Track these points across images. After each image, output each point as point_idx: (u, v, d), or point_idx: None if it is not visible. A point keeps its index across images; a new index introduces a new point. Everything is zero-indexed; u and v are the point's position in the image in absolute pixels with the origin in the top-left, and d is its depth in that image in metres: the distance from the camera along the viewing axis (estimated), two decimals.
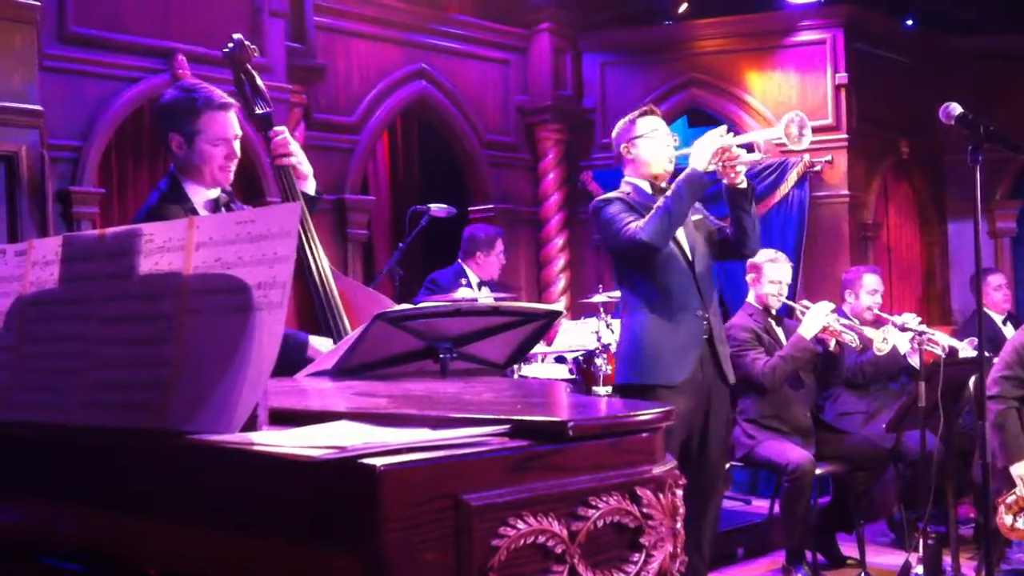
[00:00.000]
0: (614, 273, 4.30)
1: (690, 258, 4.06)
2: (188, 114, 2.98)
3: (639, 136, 4.15)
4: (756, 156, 4.02)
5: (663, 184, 4.15)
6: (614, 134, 4.27)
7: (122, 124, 5.74)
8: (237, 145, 3.05)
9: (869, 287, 5.74)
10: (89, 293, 1.69)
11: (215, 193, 3.04)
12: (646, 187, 4.15)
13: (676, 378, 3.95)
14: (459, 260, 6.46)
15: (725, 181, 3.98)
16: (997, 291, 6.75)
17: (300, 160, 3.25)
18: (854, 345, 5.13)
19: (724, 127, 4.14)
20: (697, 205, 4.13)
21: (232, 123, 3.03)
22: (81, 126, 5.57)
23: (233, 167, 3.06)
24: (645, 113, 4.21)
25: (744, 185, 3.99)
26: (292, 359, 2.51)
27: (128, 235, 1.68)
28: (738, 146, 3.95)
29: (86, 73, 5.59)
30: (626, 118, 4.24)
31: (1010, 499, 4.33)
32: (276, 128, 3.25)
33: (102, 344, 1.64)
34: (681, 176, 3.96)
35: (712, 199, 4.39)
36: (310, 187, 3.30)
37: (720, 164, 3.93)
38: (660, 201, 3.96)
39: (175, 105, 3.02)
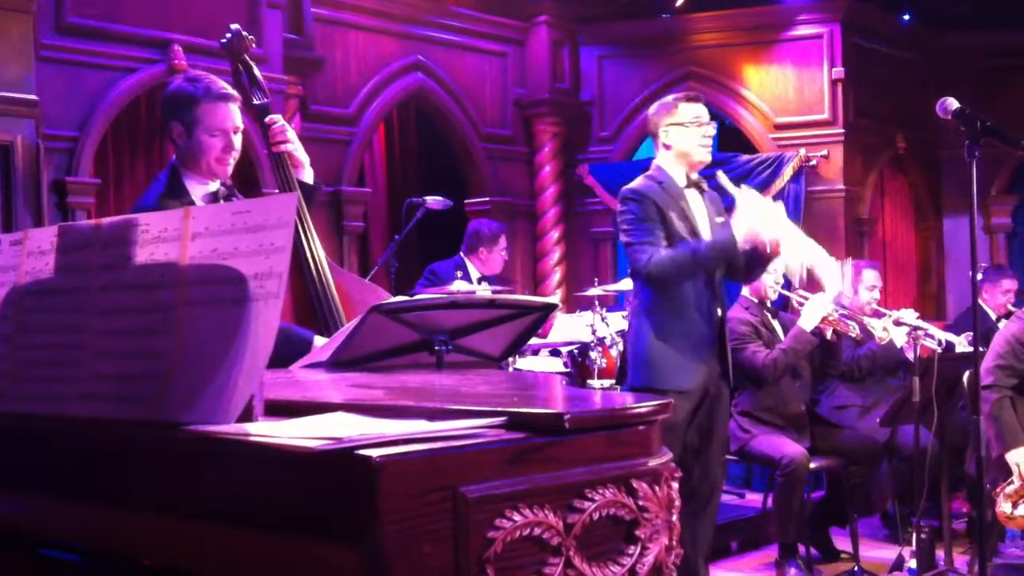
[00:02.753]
0: (630, 264, 4.08)
1: None
2: (189, 103, 2.98)
3: (679, 123, 3.97)
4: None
5: (695, 175, 4.03)
6: (652, 110, 4.08)
7: (118, 115, 5.72)
8: (237, 139, 3.03)
9: (868, 283, 5.73)
10: (85, 283, 1.69)
11: (214, 186, 3.03)
12: (679, 178, 3.99)
13: (688, 385, 3.88)
14: (461, 253, 6.46)
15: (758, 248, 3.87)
16: (1005, 295, 6.57)
17: (296, 147, 3.25)
18: (854, 335, 5.13)
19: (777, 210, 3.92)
20: (721, 207, 4.07)
21: (232, 115, 3.02)
22: (77, 116, 5.55)
23: (232, 160, 3.04)
24: (690, 99, 4.03)
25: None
26: (296, 355, 2.50)
27: (124, 225, 1.67)
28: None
29: (83, 63, 5.58)
30: (669, 98, 4.07)
31: (1009, 488, 4.34)
32: (272, 116, 3.24)
33: (98, 335, 1.64)
34: (720, 242, 3.83)
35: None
36: (308, 176, 3.30)
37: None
38: (688, 252, 3.81)
39: (178, 94, 3.02)
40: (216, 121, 2.99)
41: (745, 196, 3.89)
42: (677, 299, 3.93)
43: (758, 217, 3.81)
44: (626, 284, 5.69)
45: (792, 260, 3.95)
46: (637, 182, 4.01)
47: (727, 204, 4.08)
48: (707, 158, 4.04)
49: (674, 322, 3.93)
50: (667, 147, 4.02)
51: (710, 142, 4.04)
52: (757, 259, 3.93)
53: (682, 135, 3.99)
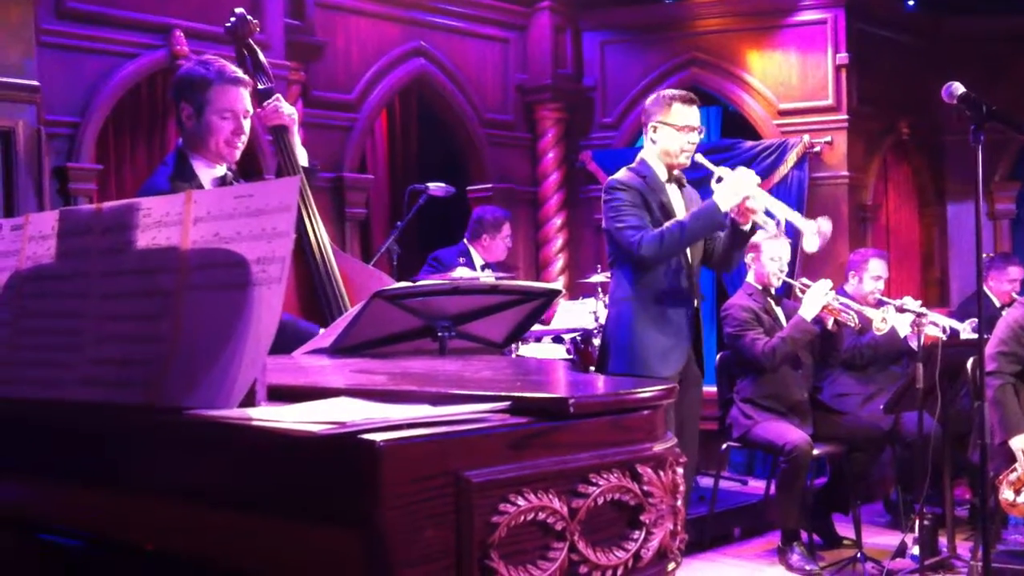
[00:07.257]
0: (610, 255, 4.30)
1: (689, 255, 4.13)
2: (201, 84, 3.00)
3: (669, 123, 4.11)
4: (770, 224, 4.13)
5: (677, 173, 4.18)
6: (648, 101, 4.22)
7: (120, 100, 5.70)
8: (247, 123, 3.05)
9: (874, 272, 5.71)
10: (86, 268, 1.68)
11: (221, 171, 3.03)
12: (661, 172, 4.16)
13: (667, 372, 4.03)
14: (465, 240, 6.45)
15: (734, 216, 4.01)
16: (1011, 283, 6.52)
17: (293, 115, 3.28)
18: (852, 325, 5.12)
19: (753, 175, 4.02)
20: (700, 202, 4.17)
21: (242, 98, 3.04)
22: (78, 102, 5.53)
23: (240, 144, 3.05)
24: (686, 101, 4.15)
25: (748, 228, 4.05)
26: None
27: (125, 209, 1.66)
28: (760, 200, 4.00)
29: (84, 49, 5.55)
30: (667, 93, 4.19)
31: (1012, 476, 4.34)
32: (267, 102, 3.26)
33: (99, 320, 1.63)
34: (704, 209, 3.99)
35: (695, 184, 4.41)
36: (302, 158, 3.31)
37: (737, 208, 3.97)
38: (675, 226, 3.96)
39: (190, 75, 3.03)
40: (227, 103, 3.00)
41: (723, 170, 4.09)
42: (655, 287, 4.09)
43: (736, 182, 3.96)
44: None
45: (776, 211, 4.09)
46: (621, 174, 4.17)
47: (705, 196, 4.20)
48: (686, 163, 4.19)
49: (653, 310, 4.07)
50: (651, 141, 4.17)
51: (693, 148, 4.17)
52: (738, 236, 4.06)
53: (668, 136, 4.13)
